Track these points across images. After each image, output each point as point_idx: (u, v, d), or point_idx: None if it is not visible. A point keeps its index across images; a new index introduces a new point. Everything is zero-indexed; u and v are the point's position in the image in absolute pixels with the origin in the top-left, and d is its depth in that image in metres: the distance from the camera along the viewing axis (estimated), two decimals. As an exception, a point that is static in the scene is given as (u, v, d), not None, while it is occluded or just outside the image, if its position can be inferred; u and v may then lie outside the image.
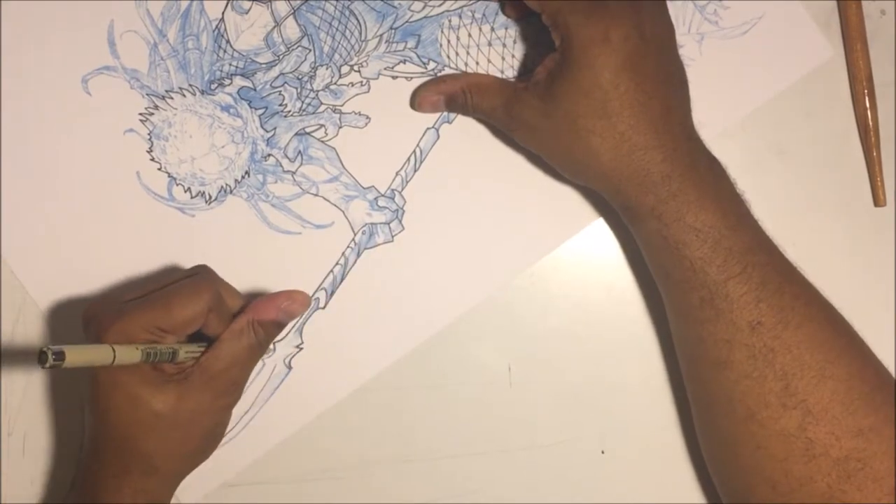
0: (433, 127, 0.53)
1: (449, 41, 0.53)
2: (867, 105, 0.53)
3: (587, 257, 0.53)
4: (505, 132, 0.51)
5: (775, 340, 0.45)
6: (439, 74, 0.53)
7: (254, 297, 0.48)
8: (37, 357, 0.37)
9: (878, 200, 0.53)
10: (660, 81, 0.46)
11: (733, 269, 0.45)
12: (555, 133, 0.48)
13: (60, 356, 0.37)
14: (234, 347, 0.46)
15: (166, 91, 0.53)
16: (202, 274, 0.47)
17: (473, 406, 0.53)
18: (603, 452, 0.53)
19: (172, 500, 0.48)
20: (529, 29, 0.53)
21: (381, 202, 0.53)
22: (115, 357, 0.41)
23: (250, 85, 0.53)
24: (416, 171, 0.53)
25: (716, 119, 0.53)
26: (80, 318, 0.46)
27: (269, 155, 0.53)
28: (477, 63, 0.53)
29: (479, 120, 0.53)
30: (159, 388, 0.44)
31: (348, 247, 0.53)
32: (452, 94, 0.51)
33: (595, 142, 0.46)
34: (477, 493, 0.52)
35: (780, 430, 0.45)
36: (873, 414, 0.44)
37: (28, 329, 0.52)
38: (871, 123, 0.53)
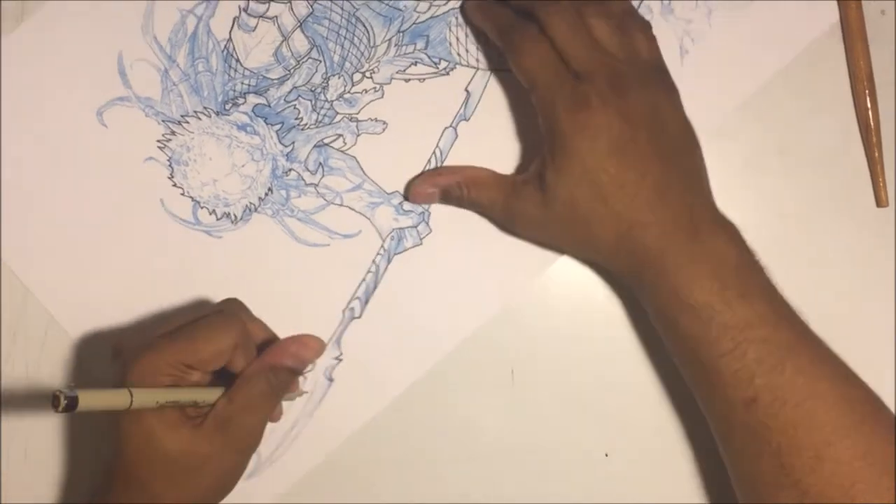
0: (451, 126, 0.53)
1: (458, 38, 0.53)
2: (868, 105, 0.52)
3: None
4: (501, 225, 0.52)
5: (770, 419, 0.43)
6: (446, 69, 0.53)
7: (283, 328, 0.48)
8: (50, 400, 0.37)
9: (880, 201, 0.53)
10: (653, 157, 0.46)
11: (725, 345, 0.44)
12: (556, 221, 0.48)
13: (73, 402, 0.37)
14: (248, 394, 0.45)
15: (181, 116, 0.53)
16: (229, 309, 0.47)
17: (475, 408, 0.52)
18: (606, 455, 0.52)
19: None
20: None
21: (406, 206, 0.53)
22: (131, 402, 0.41)
23: (264, 101, 0.53)
24: (437, 171, 0.53)
25: (736, 88, 0.53)
26: (110, 351, 0.46)
27: (290, 169, 0.53)
28: (488, 58, 0.53)
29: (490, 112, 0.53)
30: (175, 429, 0.43)
31: (378, 254, 0.52)
32: (447, 188, 0.51)
33: (595, 225, 0.47)
34: (479, 496, 0.52)
35: None
36: (876, 500, 0.42)
37: (29, 330, 0.52)
38: (872, 123, 0.52)
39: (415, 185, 0.52)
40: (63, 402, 0.37)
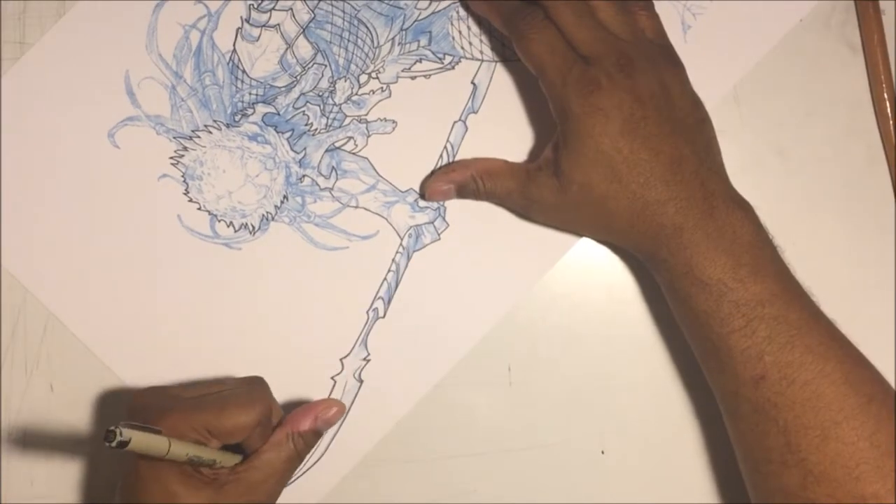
0: (460, 119, 0.53)
1: (460, 32, 0.53)
2: (886, 99, 0.52)
3: (588, 257, 0.53)
4: (519, 213, 0.52)
5: (778, 397, 0.44)
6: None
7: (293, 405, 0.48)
8: (103, 435, 0.38)
9: None
10: (665, 135, 0.46)
11: (735, 322, 0.45)
12: (572, 205, 0.48)
13: (127, 440, 0.38)
14: (273, 459, 0.45)
15: (192, 131, 0.53)
16: (258, 387, 0.47)
17: (473, 406, 0.52)
18: (603, 452, 0.52)
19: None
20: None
21: (422, 202, 0.53)
22: (168, 450, 0.41)
23: (273, 110, 0.53)
24: (450, 165, 0.53)
25: (741, 59, 0.53)
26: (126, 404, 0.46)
27: (304, 176, 0.53)
28: (492, 49, 0.53)
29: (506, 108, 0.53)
30: (196, 490, 0.44)
31: (397, 252, 0.53)
32: (463, 182, 0.51)
33: (612, 205, 0.47)
34: (477, 493, 0.52)
35: (782, 487, 0.44)
36: (880, 482, 0.42)
37: (29, 331, 0.52)
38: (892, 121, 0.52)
39: (430, 184, 0.52)
40: (117, 440, 0.38)
